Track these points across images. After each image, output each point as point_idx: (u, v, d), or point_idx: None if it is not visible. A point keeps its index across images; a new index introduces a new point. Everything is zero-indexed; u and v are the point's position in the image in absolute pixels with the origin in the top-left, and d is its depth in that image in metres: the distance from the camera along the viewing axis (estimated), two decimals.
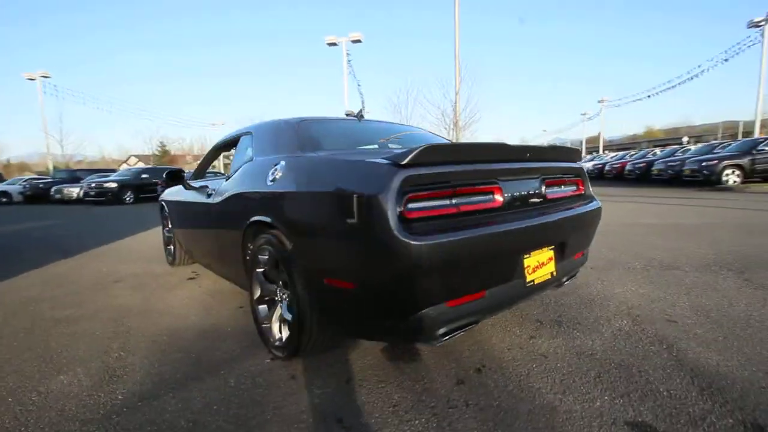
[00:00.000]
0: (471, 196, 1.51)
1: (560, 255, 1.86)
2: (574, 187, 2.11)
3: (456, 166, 1.45)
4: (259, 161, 2.18)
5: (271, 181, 1.89)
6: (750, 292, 2.67)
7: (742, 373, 1.71)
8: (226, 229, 2.40)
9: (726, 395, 1.56)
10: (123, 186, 14.42)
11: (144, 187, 15.04)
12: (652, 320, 2.29)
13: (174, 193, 3.81)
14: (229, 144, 3.09)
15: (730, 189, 11.21)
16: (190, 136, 79.34)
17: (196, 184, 3.22)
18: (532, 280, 1.69)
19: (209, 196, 2.64)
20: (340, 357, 1.99)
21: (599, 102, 37.10)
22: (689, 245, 4.13)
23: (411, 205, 1.33)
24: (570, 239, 1.89)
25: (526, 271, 1.65)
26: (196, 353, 2.12)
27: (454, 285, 1.38)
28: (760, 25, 16.96)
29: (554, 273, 1.81)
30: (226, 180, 2.56)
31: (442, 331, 1.43)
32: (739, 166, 11.89)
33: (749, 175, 11.79)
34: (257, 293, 2.17)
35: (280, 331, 1.97)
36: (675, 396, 1.57)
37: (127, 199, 14.38)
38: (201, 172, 3.41)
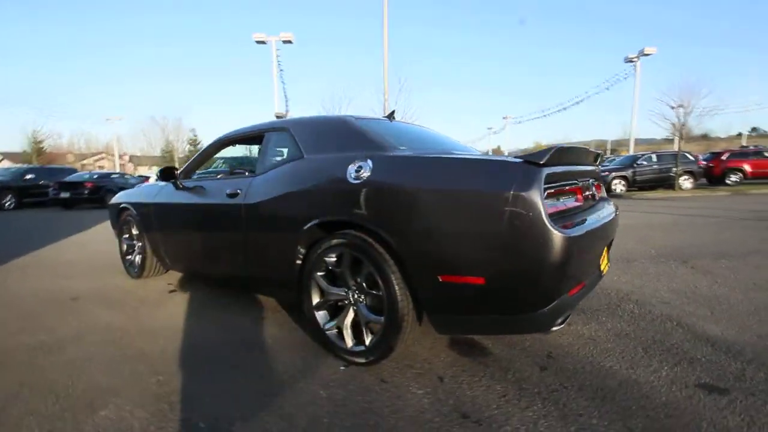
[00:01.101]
0: (570, 195, 1.66)
1: (608, 248, 2.11)
2: (602, 190, 2.41)
3: (565, 167, 1.59)
4: (319, 158, 2.06)
5: (355, 179, 1.82)
6: (701, 277, 3.29)
7: (743, 338, 2.13)
8: (268, 232, 2.22)
9: (744, 356, 1.93)
10: (1, 188, 11.91)
11: (28, 190, 12.61)
12: (650, 303, 2.70)
13: (148, 195, 3.35)
14: (244, 140, 2.84)
15: (619, 196, 13.38)
16: (70, 132, 68.65)
17: (191, 184, 2.90)
18: (602, 270, 1.90)
19: (233, 196, 2.40)
20: (414, 358, 1.98)
21: (504, 118, 41.31)
22: (627, 243, 4.87)
23: (547, 201, 1.42)
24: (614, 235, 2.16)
25: (601, 262, 1.85)
26: (253, 368, 1.92)
27: (576, 275, 1.51)
28: (633, 61, 20.72)
29: (608, 264, 2.06)
30: (254, 178, 2.37)
31: (560, 319, 1.54)
32: (624, 177, 14.29)
33: (631, 185, 14.27)
34: (316, 299, 2.05)
35: (358, 336, 1.90)
36: (712, 360, 1.90)
37: (7, 204, 11.90)
38: (191, 171, 3.05)
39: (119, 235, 3.78)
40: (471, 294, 1.54)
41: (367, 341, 1.85)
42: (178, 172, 2.96)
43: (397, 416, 1.52)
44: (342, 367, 1.91)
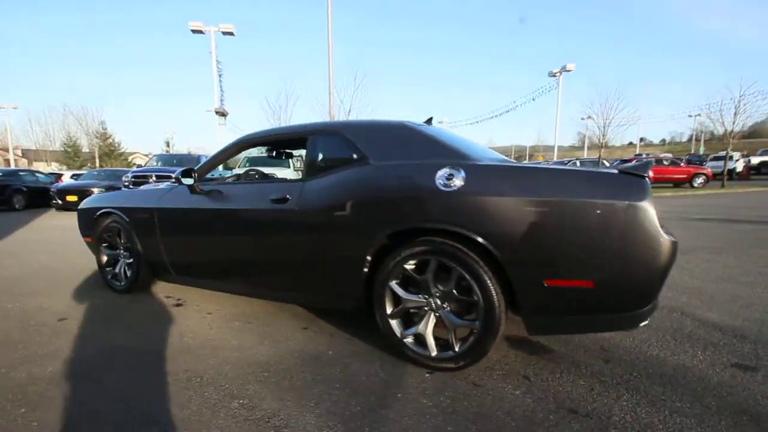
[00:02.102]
0: None
1: None
2: None
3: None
4: (392, 165, 2.03)
5: (445, 186, 1.83)
6: (678, 272, 3.80)
7: (736, 323, 2.52)
8: (329, 239, 2.13)
9: (748, 338, 2.30)
10: None
11: None
12: None
13: (147, 198, 2.99)
14: (275, 142, 2.66)
15: None
16: None
17: (209, 188, 2.66)
18: None
19: (281, 201, 2.26)
20: (485, 361, 2.04)
21: (440, 123, 43.07)
22: None
23: None
24: None
25: None
26: (338, 383, 1.84)
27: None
28: (556, 76, 22.92)
29: None
30: (305, 183, 2.25)
31: (650, 316, 1.72)
32: None
33: None
34: (390, 308, 2.03)
35: (442, 342, 1.91)
36: (728, 343, 2.23)
37: None
38: (203, 175, 2.78)
39: (97, 244, 3.31)
40: (577, 296, 1.66)
41: (457, 347, 1.87)
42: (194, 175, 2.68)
43: (512, 418, 1.58)
44: (427, 374, 1.91)
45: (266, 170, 3.83)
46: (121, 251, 3.22)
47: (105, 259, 3.32)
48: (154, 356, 2.12)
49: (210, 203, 2.60)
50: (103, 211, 3.22)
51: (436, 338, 1.96)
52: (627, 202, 1.56)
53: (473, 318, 1.85)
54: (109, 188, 11.43)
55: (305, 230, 2.20)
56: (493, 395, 1.74)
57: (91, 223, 3.34)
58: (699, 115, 38.59)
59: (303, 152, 2.75)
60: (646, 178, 1.63)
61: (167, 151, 46.68)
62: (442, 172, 1.88)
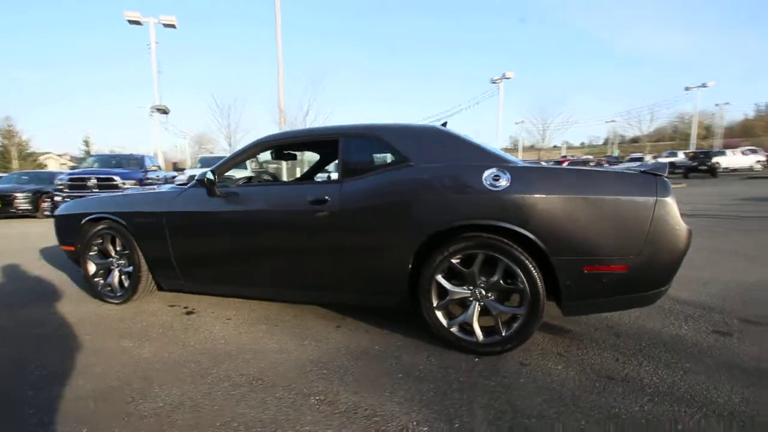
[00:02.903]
0: None
1: None
2: None
3: None
4: (436, 167, 2.16)
5: (493, 186, 2.02)
6: None
7: (701, 299, 3.00)
8: (374, 239, 2.21)
9: (716, 310, 2.75)
10: None
11: None
12: None
13: (152, 202, 2.84)
14: (299, 144, 2.66)
15: None
16: None
17: (228, 190, 2.60)
18: None
19: (320, 203, 2.29)
20: (529, 342, 2.24)
21: None
22: None
23: None
24: None
25: None
26: (397, 372, 1.94)
27: None
28: (497, 82, 24.49)
29: None
30: (343, 184, 2.31)
31: (665, 293, 2.03)
32: None
33: None
34: (436, 300, 2.17)
35: (495, 328, 2.09)
36: (703, 315, 2.66)
37: None
38: (221, 175, 2.69)
39: (83, 252, 3.04)
40: (612, 280, 1.92)
41: (504, 332, 2.06)
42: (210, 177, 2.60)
43: (567, 388, 1.80)
44: (476, 359, 2.08)
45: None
46: (115, 260, 3.00)
47: (93, 269, 3.06)
48: (198, 365, 2.06)
49: (235, 206, 2.54)
50: (92, 217, 2.98)
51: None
52: (655, 198, 1.86)
53: (518, 304, 2.06)
54: (36, 193, 10.20)
55: (349, 230, 2.26)
56: (542, 371, 1.95)
57: (74, 231, 3.06)
58: (614, 121, 43.32)
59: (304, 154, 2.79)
60: (665, 177, 1.94)
61: (87, 152, 42.37)
62: (489, 173, 2.06)
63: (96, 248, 3.04)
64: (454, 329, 2.15)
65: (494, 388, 1.80)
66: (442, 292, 2.17)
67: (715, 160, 23.37)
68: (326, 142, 2.56)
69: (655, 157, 27.57)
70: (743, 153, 27.67)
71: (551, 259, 1.95)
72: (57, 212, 3.25)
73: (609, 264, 1.91)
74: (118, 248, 2.96)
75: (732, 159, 26.05)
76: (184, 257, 2.73)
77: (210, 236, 2.63)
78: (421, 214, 2.14)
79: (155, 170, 11.38)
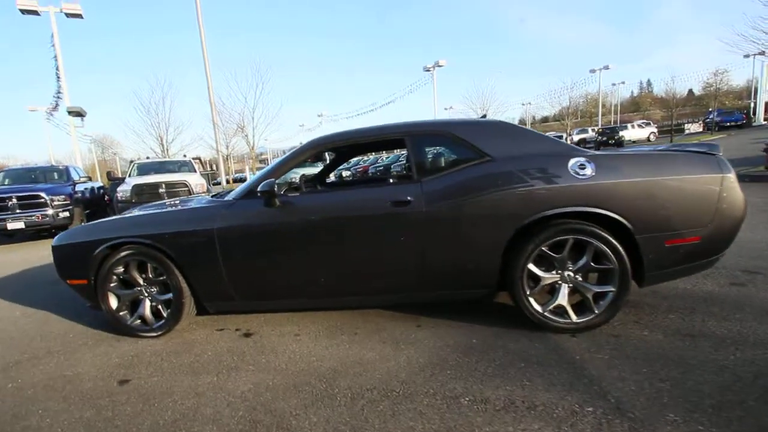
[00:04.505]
0: None
1: None
2: None
3: None
4: (519, 159, 2.23)
5: (579, 175, 2.15)
6: None
7: None
8: (464, 235, 2.24)
9: (722, 267, 3.22)
10: None
11: None
12: None
13: (190, 219, 2.56)
14: (363, 145, 2.54)
15: None
16: None
17: (287, 199, 2.44)
18: None
19: (403, 204, 2.26)
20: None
21: (318, 116, 42.83)
22: None
23: None
24: None
25: None
26: (519, 361, 2.02)
27: None
28: (430, 70, 25.13)
29: None
30: (422, 183, 2.30)
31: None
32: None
33: None
34: (528, 288, 2.27)
35: (587, 307, 2.25)
36: (712, 272, 3.10)
37: None
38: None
39: (100, 285, 2.65)
40: (687, 250, 2.17)
41: (597, 309, 2.23)
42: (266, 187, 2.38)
43: (671, 350, 2.02)
44: (573, 337, 2.22)
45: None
46: (145, 288, 2.66)
47: (116, 302, 2.69)
48: (313, 388, 1.94)
49: (302, 215, 2.39)
50: (111, 243, 2.60)
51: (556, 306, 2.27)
52: (721, 174, 2.13)
53: (606, 282, 2.23)
54: None
55: (436, 229, 2.26)
56: (636, 339, 2.16)
57: (85, 261, 2.65)
58: (530, 103, 46.98)
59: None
60: (721, 155, 2.23)
61: None
62: (574, 162, 2.19)
63: (117, 278, 2.67)
64: (547, 313, 2.27)
65: (612, 362, 1.96)
66: (534, 279, 2.27)
67: (620, 133, 26.55)
68: (389, 141, 2.51)
69: (569, 135, 30.54)
70: (640, 126, 31.72)
71: (636, 237, 2.15)
72: (56, 242, 2.77)
73: (685, 236, 2.15)
74: (149, 275, 2.62)
75: (632, 132, 29.78)
76: (243, 276, 2.51)
77: (275, 250, 2.45)
78: (511, 207, 2.21)
79: (84, 182, 10.02)
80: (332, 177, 4.07)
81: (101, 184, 12.30)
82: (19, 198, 7.95)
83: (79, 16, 13.06)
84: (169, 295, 2.62)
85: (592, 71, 33.98)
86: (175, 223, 2.58)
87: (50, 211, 8.17)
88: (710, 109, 32.83)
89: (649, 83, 73.15)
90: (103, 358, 2.46)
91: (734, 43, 15.04)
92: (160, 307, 2.67)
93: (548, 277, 2.27)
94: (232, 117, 19.77)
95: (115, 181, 9.96)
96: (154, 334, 2.67)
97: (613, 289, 2.21)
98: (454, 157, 2.36)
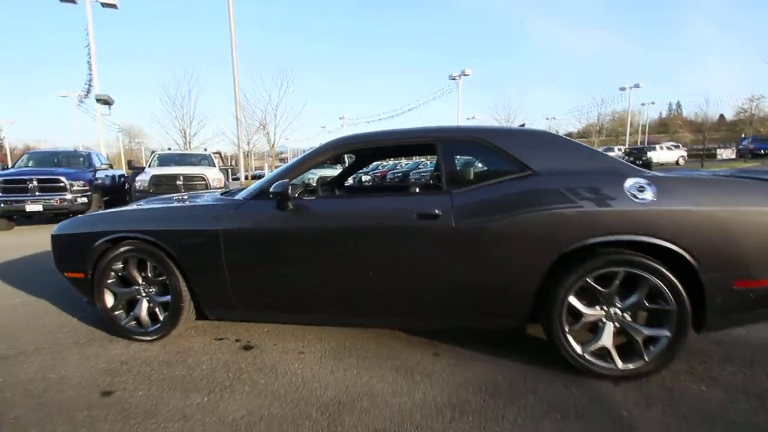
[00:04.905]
0: None
1: None
2: None
3: None
4: (566, 177, 1.95)
5: (637, 198, 1.86)
6: None
7: None
8: (498, 257, 1.97)
9: None
10: None
11: None
12: None
13: (196, 217, 2.37)
14: (384, 148, 2.32)
15: None
16: None
17: (301, 203, 2.22)
18: None
19: (431, 218, 2.00)
20: None
21: (340, 118, 43.03)
22: None
23: None
24: None
25: None
26: (556, 409, 1.73)
27: None
28: (455, 79, 24.88)
29: None
30: (453, 195, 2.04)
31: None
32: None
33: None
34: (568, 325, 1.98)
35: (635, 351, 1.95)
36: None
37: None
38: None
39: (97, 280, 2.47)
40: (760, 295, 1.85)
41: (647, 355, 1.92)
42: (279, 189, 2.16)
43: (735, 412, 1.70)
44: (615, 387, 1.92)
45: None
46: (143, 287, 2.47)
47: (112, 300, 2.51)
48: (314, 423, 1.69)
49: (316, 221, 2.16)
50: (112, 236, 2.42)
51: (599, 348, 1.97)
52: None
53: (660, 325, 1.92)
54: None
55: (466, 248, 2.00)
56: (691, 395, 1.84)
57: (83, 254, 2.48)
58: (555, 118, 46.12)
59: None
60: None
61: None
62: (632, 184, 1.90)
63: (116, 274, 2.48)
64: (587, 355, 1.98)
65: (667, 423, 1.65)
66: (575, 315, 1.98)
67: (648, 155, 25.69)
68: (417, 146, 2.26)
69: None
70: (669, 148, 30.71)
71: (701, 275, 1.84)
72: (56, 231, 2.61)
73: (759, 278, 1.83)
74: (149, 274, 2.43)
75: (660, 154, 28.80)
76: (247, 283, 2.29)
77: (285, 259, 2.22)
78: (554, 230, 1.93)
79: (105, 169, 10.10)
80: (350, 181, 3.84)
81: (122, 173, 12.41)
82: (39, 181, 7.99)
83: (113, 6, 13.33)
84: (168, 298, 2.42)
85: (622, 89, 33.13)
86: (179, 220, 2.39)
87: (69, 196, 8.18)
88: (743, 135, 31.60)
89: (678, 105, 71.22)
90: (91, 361, 2.27)
91: None
92: (157, 309, 2.47)
93: (592, 313, 1.97)
94: (255, 114, 19.89)
95: (136, 170, 9.98)
96: (149, 338, 2.47)
97: (668, 333, 1.90)
98: (491, 168, 2.10)
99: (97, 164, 9.82)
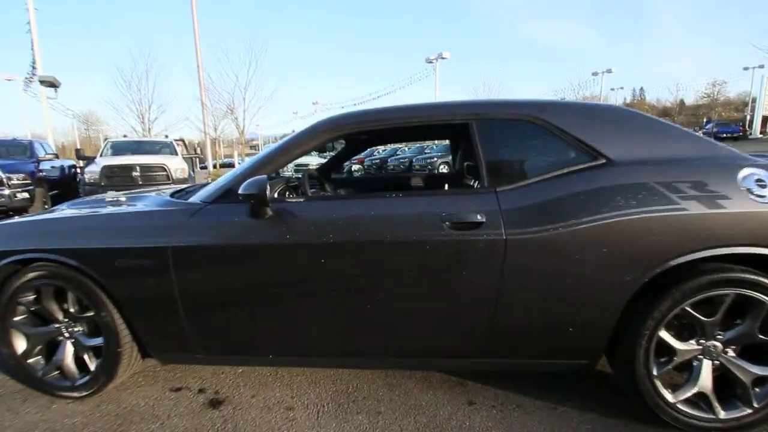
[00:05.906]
0: None
1: None
2: None
3: None
4: (655, 168, 1.42)
5: (758, 195, 1.35)
6: None
7: None
8: (571, 280, 1.43)
9: None
10: None
11: None
12: None
13: (144, 229, 1.69)
14: (397, 129, 1.72)
15: None
16: None
17: (283, 207, 1.59)
18: None
19: (471, 226, 1.43)
20: None
21: (313, 103, 41.45)
22: None
23: None
24: None
25: None
26: None
27: None
28: (432, 62, 24.15)
29: None
30: (498, 194, 1.48)
31: None
32: (446, 162, 16.73)
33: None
34: (657, 366, 1.47)
35: (737, 395, 1.46)
36: None
37: None
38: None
39: (3, 319, 1.78)
40: None
41: (756, 401, 1.44)
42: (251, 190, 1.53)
43: None
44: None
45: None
46: (64, 326, 1.80)
47: (24, 344, 1.82)
48: None
49: (307, 233, 1.53)
50: (16, 257, 1.72)
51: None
52: None
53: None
54: None
55: (521, 268, 1.44)
56: None
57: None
58: None
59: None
60: None
61: None
62: (747, 176, 1.39)
63: (27, 309, 1.79)
64: (680, 404, 1.48)
65: None
66: (666, 352, 1.48)
67: None
68: (443, 127, 1.68)
69: None
70: None
71: None
72: None
73: None
74: (71, 308, 1.76)
75: None
76: (210, 320, 1.66)
77: (262, 286, 1.60)
78: (644, 241, 1.39)
79: (51, 159, 8.95)
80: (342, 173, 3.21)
81: (72, 163, 11.15)
82: None
83: None
84: (100, 340, 1.75)
85: (595, 74, 33.31)
86: (110, 234, 1.69)
87: (6, 191, 7.09)
88: (706, 120, 32.58)
89: (642, 90, 73.14)
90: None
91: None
92: (86, 355, 1.80)
93: (686, 349, 1.47)
94: (222, 97, 18.62)
95: (86, 160, 8.86)
96: (77, 395, 1.80)
97: None
98: (549, 156, 1.53)
99: (41, 154, 8.66)
